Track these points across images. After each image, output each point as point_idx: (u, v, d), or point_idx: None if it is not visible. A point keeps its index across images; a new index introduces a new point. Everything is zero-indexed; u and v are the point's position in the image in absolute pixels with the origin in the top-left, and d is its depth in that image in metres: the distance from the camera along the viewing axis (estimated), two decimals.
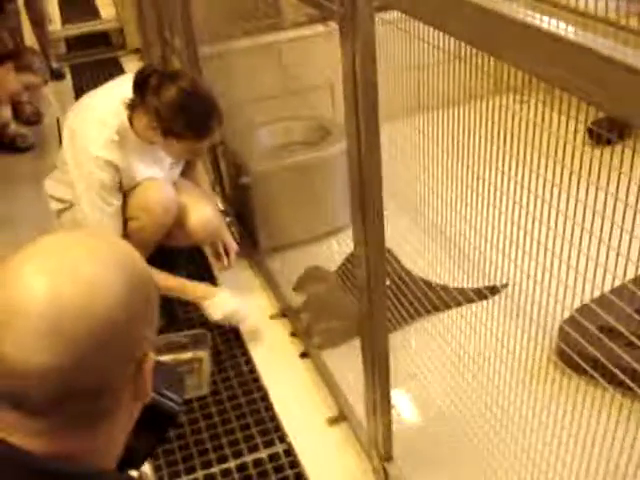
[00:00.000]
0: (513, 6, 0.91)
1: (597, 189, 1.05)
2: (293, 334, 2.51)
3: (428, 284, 2.16)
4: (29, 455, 0.80)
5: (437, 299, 2.05)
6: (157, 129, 2.27)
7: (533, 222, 1.26)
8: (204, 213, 2.60)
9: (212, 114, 2.28)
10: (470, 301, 1.96)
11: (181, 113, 2.22)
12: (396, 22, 1.34)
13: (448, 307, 2.13)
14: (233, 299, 2.52)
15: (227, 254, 2.70)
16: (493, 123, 1.30)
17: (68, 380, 0.79)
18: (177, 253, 2.79)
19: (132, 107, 2.31)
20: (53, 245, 0.86)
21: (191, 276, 2.83)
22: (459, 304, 1.92)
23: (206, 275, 2.88)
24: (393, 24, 1.38)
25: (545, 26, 0.87)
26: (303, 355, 2.41)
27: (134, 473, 1.13)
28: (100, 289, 0.81)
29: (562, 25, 0.86)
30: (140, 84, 2.26)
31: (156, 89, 2.22)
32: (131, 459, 1.07)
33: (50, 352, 0.78)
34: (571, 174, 1.09)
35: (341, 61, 1.42)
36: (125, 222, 2.46)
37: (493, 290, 2.08)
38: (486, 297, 1.85)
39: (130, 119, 2.33)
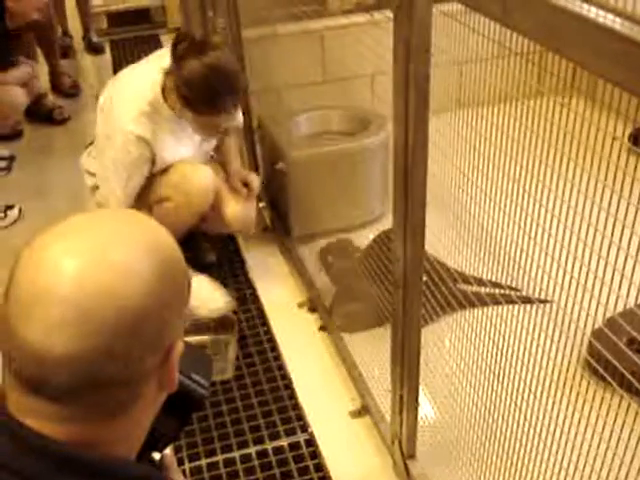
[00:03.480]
0: (584, 5, 0.88)
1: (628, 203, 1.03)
2: (322, 328, 2.49)
3: (452, 276, 2.13)
4: (46, 439, 0.78)
5: (463, 298, 2.03)
6: (177, 97, 2.27)
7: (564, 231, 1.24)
8: (240, 204, 2.59)
9: (228, 92, 2.25)
10: (497, 303, 1.94)
11: (196, 88, 2.21)
12: (454, 14, 1.31)
13: (473, 305, 2.10)
14: (208, 287, 2.47)
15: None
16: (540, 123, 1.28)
17: (91, 369, 0.77)
18: (204, 237, 2.79)
19: (167, 73, 2.31)
20: (83, 226, 0.83)
21: (219, 259, 2.84)
22: (485, 304, 1.90)
23: (236, 259, 2.88)
24: (449, 16, 1.35)
25: (617, 27, 0.84)
26: (328, 343, 2.40)
27: (156, 456, 1.12)
28: (129, 275, 0.78)
29: (636, 28, 0.83)
30: (173, 50, 2.25)
31: (180, 58, 2.22)
32: (155, 442, 1.06)
33: (74, 340, 0.75)
34: (604, 186, 1.07)
35: (392, 51, 1.40)
36: (156, 202, 2.45)
37: (526, 300, 2.04)
38: (514, 302, 1.82)
39: (163, 87, 2.33)
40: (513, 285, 2.18)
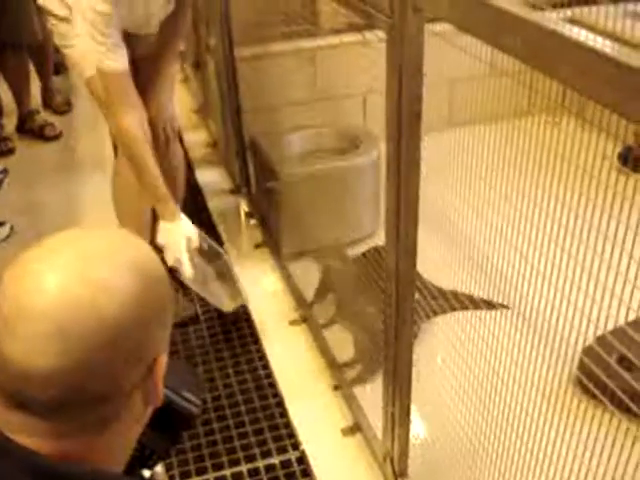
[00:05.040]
0: (574, 28, 0.90)
1: (618, 222, 1.04)
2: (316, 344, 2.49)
3: (442, 292, 2.15)
4: (34, 455, 0.79)
5: (449, 308, 2.05)
6: None
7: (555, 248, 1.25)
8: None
9: None
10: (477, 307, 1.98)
11: None
12: (444, 35, 1.32)
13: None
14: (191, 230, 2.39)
15: None
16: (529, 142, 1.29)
17: (74, 383, 0.77)
18: None
19: None
20: (67, 243, 0.84)
21: None
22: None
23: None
24: (440, 36, 1.36)
25: (605, 49, 0.85)
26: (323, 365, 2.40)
27: (147, 473, 1.12)
28: (110, 291, 0.79)
29: (623, 50, 0.84)
30: None
31: None
32: (145, 459, 1.06)
33: (56, 354, 0.76)
34: (594, 206, 1.08)
35: (385, 70, 1.41)
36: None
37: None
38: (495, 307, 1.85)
39: None
40: (504, 303, 2.20)
